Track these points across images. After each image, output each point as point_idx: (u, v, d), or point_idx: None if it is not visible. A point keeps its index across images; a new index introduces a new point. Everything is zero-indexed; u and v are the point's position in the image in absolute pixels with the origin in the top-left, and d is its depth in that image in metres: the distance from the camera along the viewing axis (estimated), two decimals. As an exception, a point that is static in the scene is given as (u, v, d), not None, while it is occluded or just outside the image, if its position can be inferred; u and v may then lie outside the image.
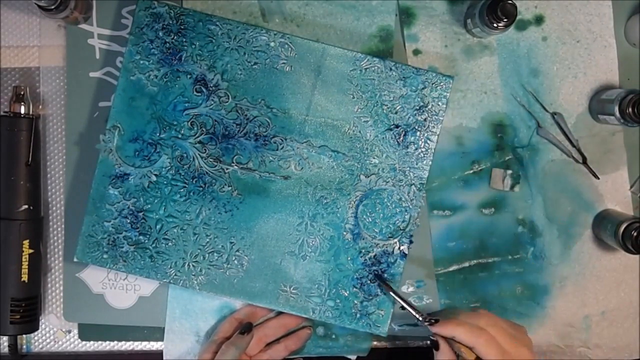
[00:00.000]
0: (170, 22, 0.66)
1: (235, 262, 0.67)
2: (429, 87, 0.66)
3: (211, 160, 0.67)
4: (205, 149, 0.66)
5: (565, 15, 0.72)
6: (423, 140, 0.67)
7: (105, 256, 0.66)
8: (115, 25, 0.70)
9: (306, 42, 0.66)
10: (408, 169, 0.67)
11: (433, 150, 0.67)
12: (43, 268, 0.71)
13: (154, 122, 0.66)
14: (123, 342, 0.73)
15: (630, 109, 0.66)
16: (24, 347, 0.72)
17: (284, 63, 0.66)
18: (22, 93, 0.68)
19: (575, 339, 0.74)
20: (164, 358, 0.72)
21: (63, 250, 0.71)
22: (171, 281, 0.66)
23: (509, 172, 0.72)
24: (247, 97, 0.66)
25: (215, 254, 0.67)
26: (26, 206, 0.68)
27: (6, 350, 0.70)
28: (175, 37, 0.66)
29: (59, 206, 0.72)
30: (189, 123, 0.66)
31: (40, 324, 0.71)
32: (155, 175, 0.66)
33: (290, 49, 0.66)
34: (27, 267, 0.67)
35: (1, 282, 0.67)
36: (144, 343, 0.73)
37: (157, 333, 0.73)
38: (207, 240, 0.67)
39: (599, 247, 0.74)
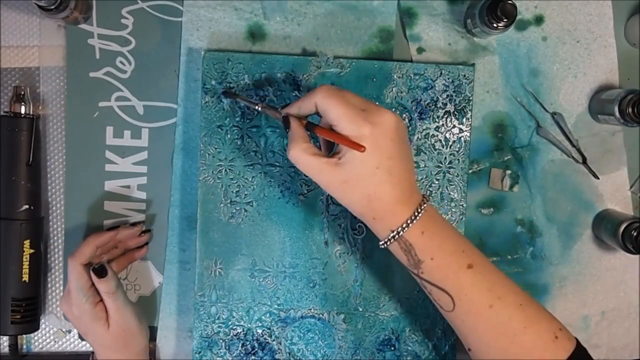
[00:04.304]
0: None
1: None
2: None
3: None
4: None
5: (565, 15, 0.72)
6: None
7: None
8: (115, 25, 0.70)
9: None
10: None
11: None
12: (43, 268, 0.71)
13: None
14: (123, 342, 0.73)
15: (630, 109, 0.66)
16: (24, 347, 0.72)
17: None
18: (22, 93, 0.68)
19: (575, 338, 0.74)
20: (156, 355, 0.72)
21: (63, 250, 0.71)
22: None
23: (508, 172, 0.72)
24: None
25: None
26: (27, 206, 0.68)
27: (6, 350, 0.70)
28: None
29: (59, 206, 0.72)
30: None
31: (40, 324, 0.71)
32: None
33: None
34: (27, 267, 0.67)
35: (2, 282, 0.67)
36: (144, 343, 0.73)
37: (156, 333, 0.73)
38: None
39: (599, 247, 0.74)
